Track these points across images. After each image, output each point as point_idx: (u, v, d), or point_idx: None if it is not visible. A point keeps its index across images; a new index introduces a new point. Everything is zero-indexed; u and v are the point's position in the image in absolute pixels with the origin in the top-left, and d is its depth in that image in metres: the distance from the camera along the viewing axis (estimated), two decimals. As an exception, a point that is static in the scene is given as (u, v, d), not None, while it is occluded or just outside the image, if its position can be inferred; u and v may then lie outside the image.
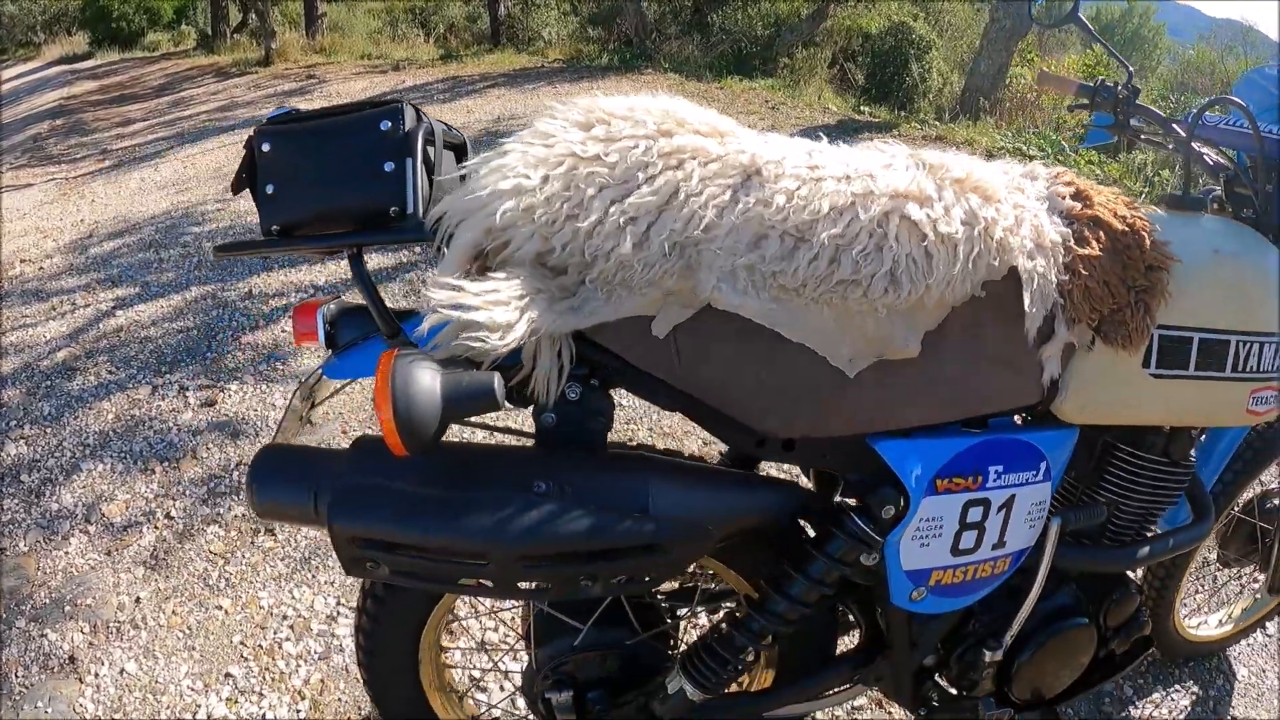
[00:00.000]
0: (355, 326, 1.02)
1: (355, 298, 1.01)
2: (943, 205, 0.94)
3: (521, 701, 1.60)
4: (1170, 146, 1.49)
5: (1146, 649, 1.42)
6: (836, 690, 1.27)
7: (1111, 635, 1.34)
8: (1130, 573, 1.33)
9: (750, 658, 1.14)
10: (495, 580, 0.94)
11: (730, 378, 0.97)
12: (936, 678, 1.27)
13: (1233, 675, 1.87)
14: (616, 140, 0.91)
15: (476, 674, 1.65)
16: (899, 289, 0.92)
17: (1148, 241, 1.02)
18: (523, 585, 0.96)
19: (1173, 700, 1.80)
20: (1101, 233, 1.02)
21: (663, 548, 0.94)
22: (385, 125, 0.92)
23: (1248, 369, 1.14)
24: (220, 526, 2.04)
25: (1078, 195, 1.05)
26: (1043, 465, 1.09)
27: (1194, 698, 1.80)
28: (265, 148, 0.93)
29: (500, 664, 1.63)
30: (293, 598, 1.85)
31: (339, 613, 1.82)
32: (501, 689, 1.64)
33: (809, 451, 1.06)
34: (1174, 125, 1.43)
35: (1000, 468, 1.06)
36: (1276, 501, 1.65)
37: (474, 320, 0.85)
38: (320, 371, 1.06)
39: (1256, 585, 1.90)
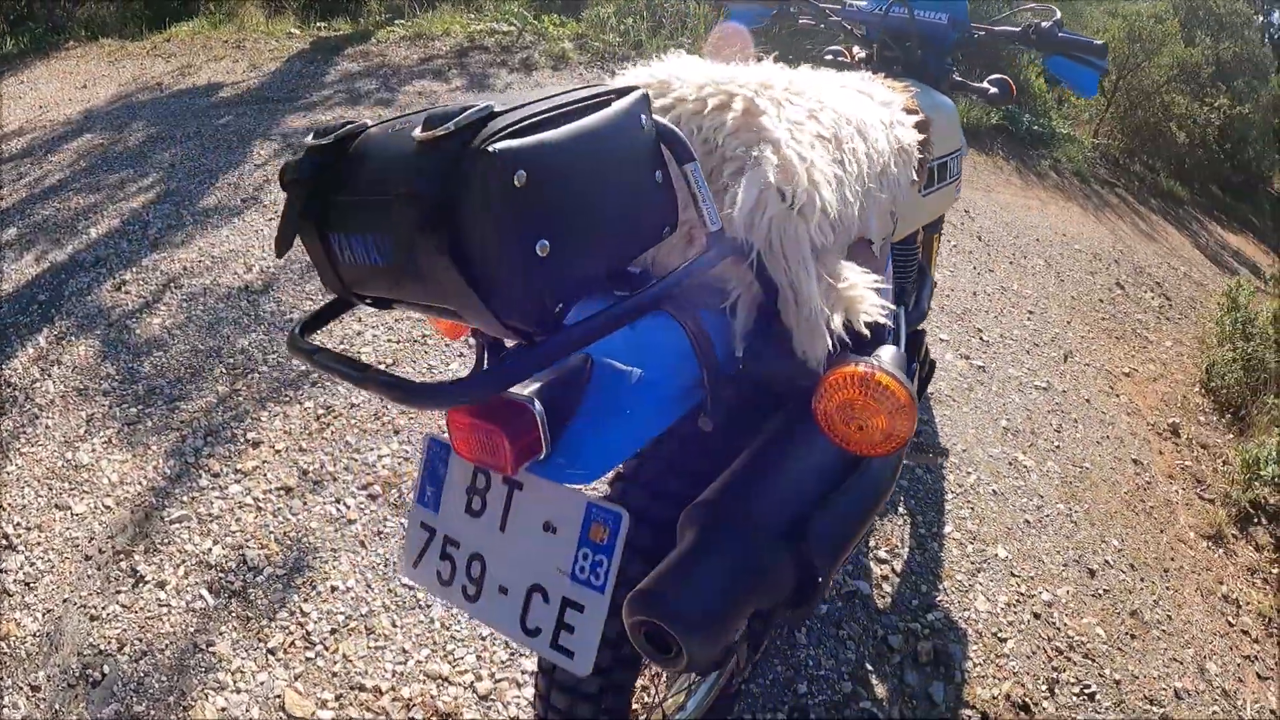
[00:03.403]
0: (558, 399, 0.80)
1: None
2: (900, 123, 1.18)
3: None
4: (822, 26, 1.94)
5: (934, 370, 1.98)
6: None
7: (923, 365, 1.89)
8: None
9: None
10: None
11: None
12: None
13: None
14: (819, 111, 0.93)
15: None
16: (898, 188, 1.14)
17: (921, 114, 1.37)
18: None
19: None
20: (908, 112, 1.35)
21: None
22: (644, 120, 0.72)
23: (955, 173, 1.66)
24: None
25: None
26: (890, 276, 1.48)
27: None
28: (521, 178, 0.61)
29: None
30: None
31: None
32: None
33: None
34: (825, 9, 1.87)
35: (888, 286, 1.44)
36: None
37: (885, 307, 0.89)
38: (574, 486, 0.80)
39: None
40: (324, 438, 2.22)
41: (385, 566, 1.85)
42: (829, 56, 1.99)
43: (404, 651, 1.66)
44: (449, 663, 1.65)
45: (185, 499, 1.98)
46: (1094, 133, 7.19)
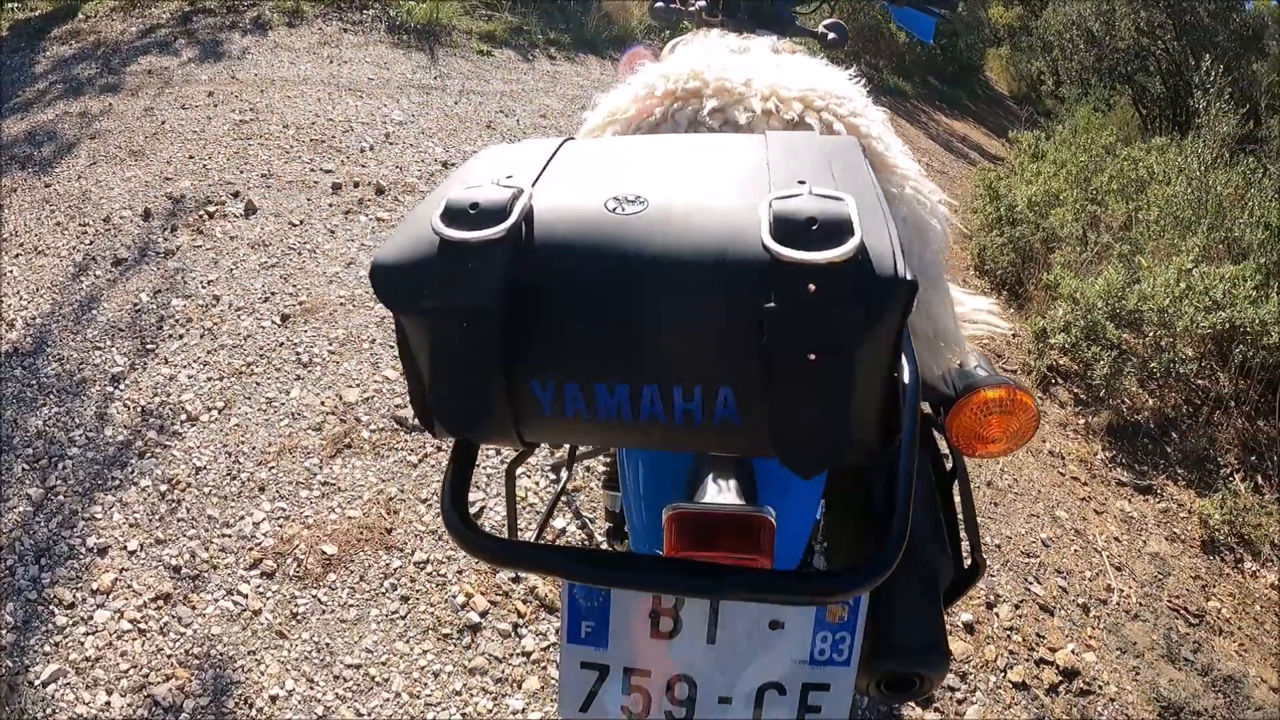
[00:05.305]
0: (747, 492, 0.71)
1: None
2: None
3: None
4: None
5: None
6: None
7: None
8: None
9: None
10: None
11: None
12: None
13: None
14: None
15: None
16: None
17: None
18: None
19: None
20: None
21: None
22: None
23: None
24: None
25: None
26: None
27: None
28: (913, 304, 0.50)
29: None
30: None
31: None
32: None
33: None
34: None
35: None
36: None
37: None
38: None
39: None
40: (180, 519, 1.87)
41: (318, 653, 1.61)
42: (659, 4, 1.88)
43: (382, 743, 1.47)
44: (435, 737, 1.49)
45: (48, 649, 1.56)
46: (822, 39, 7.66)
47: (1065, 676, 1.83)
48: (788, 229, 0.48)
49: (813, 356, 0.47)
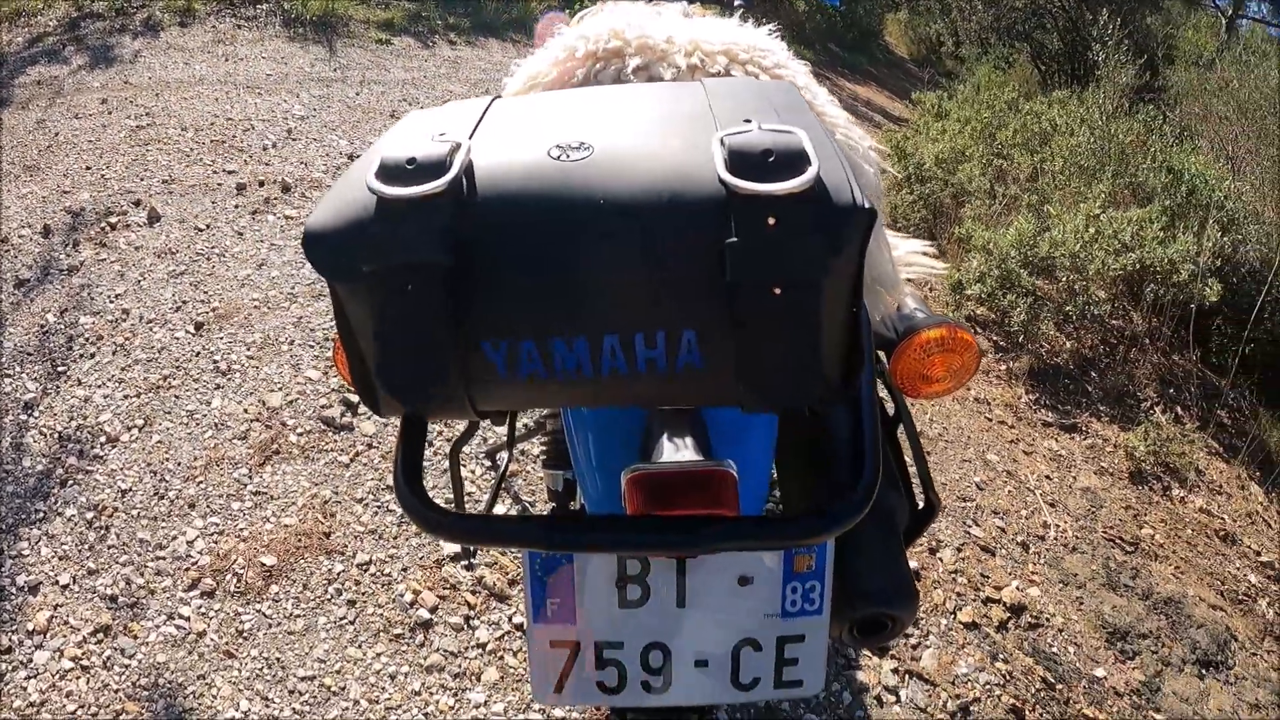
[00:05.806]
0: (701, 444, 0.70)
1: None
2: None
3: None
4: None
5: None
6: None
7: None
8: None
9: None
10: None
11: None
12: None
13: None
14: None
15: None
16: None
17: None
18: None
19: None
20: None
21: None
22: None
23: None
24: None
25: None
26: None
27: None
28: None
29: None
30: None
31: None
32: None
33: None
34: None
35: None
36: None
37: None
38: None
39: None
40: (111, 546, 1.76)
41: (269, 669, 1.54)
42: None
43: (345, 753, 1.42)
44: (399, 741, 1.45)
45: (-22, 696, 1.46)
46: (728, 10, 7.69)
47: (1013, 612, 1.89)
48: (743, 163, 0.47)
49: (778, 290, 0.46)
